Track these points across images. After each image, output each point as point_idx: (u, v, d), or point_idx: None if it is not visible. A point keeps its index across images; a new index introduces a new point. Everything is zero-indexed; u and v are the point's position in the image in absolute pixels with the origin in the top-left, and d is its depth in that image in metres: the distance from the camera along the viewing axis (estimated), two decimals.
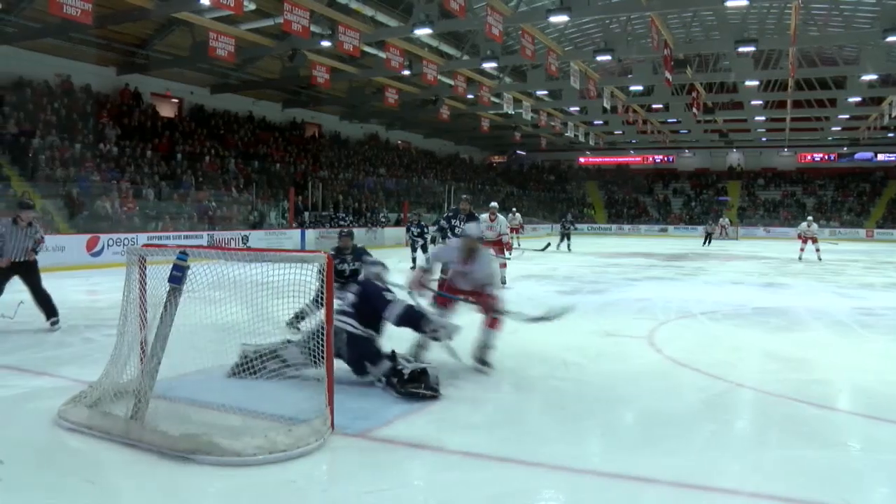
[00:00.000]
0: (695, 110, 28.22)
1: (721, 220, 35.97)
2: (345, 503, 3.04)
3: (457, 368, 5.09)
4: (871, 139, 38.77)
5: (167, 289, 3.90)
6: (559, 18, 17.74)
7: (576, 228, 25.35)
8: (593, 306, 9.18)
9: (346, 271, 6.86)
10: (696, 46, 24.30)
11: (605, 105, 27.31)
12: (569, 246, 22.52)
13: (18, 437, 3.66)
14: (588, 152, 48.36)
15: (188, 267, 3.90)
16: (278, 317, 4.42)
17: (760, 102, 31.08)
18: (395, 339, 5.04)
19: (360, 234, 21.01)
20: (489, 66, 23.07)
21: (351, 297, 4.92)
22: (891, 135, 37.01)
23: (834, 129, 36.42)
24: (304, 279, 4.15)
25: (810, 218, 20.25)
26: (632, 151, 48.41)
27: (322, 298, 3.98)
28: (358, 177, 28.89)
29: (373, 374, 4.59)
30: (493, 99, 26.78)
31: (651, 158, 49.47)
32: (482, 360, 5.30)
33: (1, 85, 18.22)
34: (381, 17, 19.15)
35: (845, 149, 43.21)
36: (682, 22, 24.24)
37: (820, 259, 18.61)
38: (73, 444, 3.67)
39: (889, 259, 20.62)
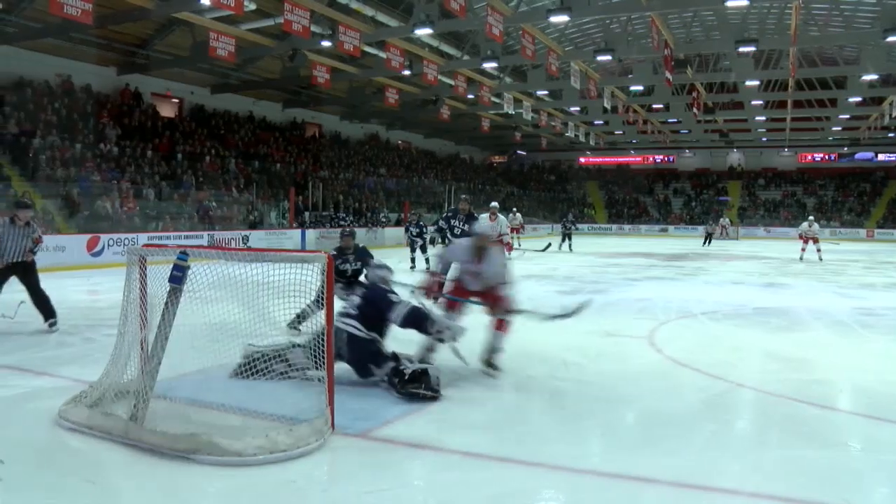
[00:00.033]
0: (695, 110, 28.22)
1: (721, 220, 35.97)
2: (345, 503, 3.05)
3: (458, 369, 5.09)
4: (872, 139, 38.77)
5: (167, 289, 3.90)
6: (559, 18, 17.74)
7: (577, 228, 25.32)
8: (594, 306, 9.11)
9: (349, 271, 6.85)
10: (697, 46, 24.30)
11: (605, 105, 27.31)
12: (570, 246, 22.50)
13: (19, 437, 3.66)
14: (588, 152, 48.35)
15: (188, 267, 3.90)
16: (279, 317, 4.41)
17: (761, 102, 31.07)
18: (405, 341, 5.03)
19: (360, 234, 21.00)
20: (489, 66, 23.08)
21: (356, 299, 4.93)
22: (891, 135, 36.99)
23: (834, 129, 36.42)
24: (304, 279, 4.14)
25: (811, 218, 20.16)
26: (632, 151, 48.41)
27: (324, 299, 3.97)
28: (358, 177, 28.90)
29: (377, 376, 4.59)
30: (493, 99, 26.77)
31: (651, 158, 49.46)
32: (490, 364, 5.21)
33: (1, 85, 18.22)
34: (382, 17, 19.15)
35: (846, 149, 43.20)
36: (683, 22, 24.25)
37: (821, 259, 18.59)
38: (74, 444, 3.67)
39: (889, 259, 20.62)
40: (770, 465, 3.51)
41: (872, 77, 24.27)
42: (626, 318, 8.07)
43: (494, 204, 10.65)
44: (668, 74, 21.75)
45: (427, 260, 14.79)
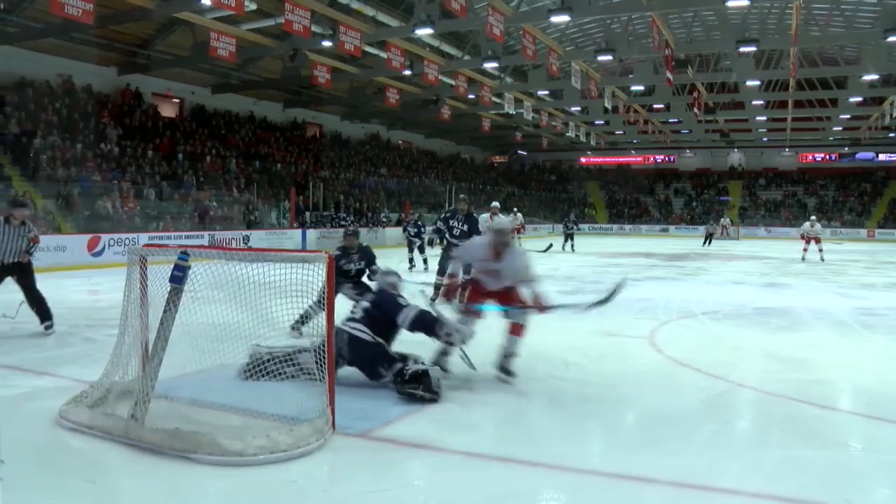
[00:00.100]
0: (696, 110, 28.21)
1: (722, 220, 35.99)
2: (346, 503, 3.05)
3: (458, 368, 5.08)
4: (873, 139, 38.77)
5: (168, 289, 3.90)
6: (560, 18, 17.73)
7: (579, 229, 25.30)
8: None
9: (352, 271, 6.81)
10: (698, 46, 24.29)
11: (606, 105, 27.30)
12: (572, 246, 22.45)
13: (19, 437, 3.65)
14: (589, 152, 48.34)
15: (189, 267, 3.90)
16: (280, 317, 4.41)
17: (761, 102, 31.07)
18: (412, 343, 5.02)
19: (361, 234, 21.00)
20: (490, 66, 23.07)
21: (365, 304, 4.93)
22: (892, 135, 36.97)
23: (835, 129, 36.42)
24: (305, 279, 4.14)
25: (813, 218, 20.02)
26: (633, 151, 48.40)
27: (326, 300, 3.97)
28: (359, 177, 28.90)
29: (386, 377, 4.60)
30: (494, 99, 26.77)
31: (652, 158, 49.45)
32: (505, 370, 5.01)
33: (2, 85, 18.24)
34: (382, 17, 19.15)
35: (846, 149, 43.18)
36: (684, 22, 24.24)
37: (823, 259, 18.56)
38: (74, 444, 3.68)
39: (890, 259, 20.60)
40: (770, 466, 3.51)
41: (873, 77, 24.26)
42: (627, 318, 8.07)
43: (495, 204, 10.60)
44: (668, 74, 21.75)
45: (425, 260, 14.78)
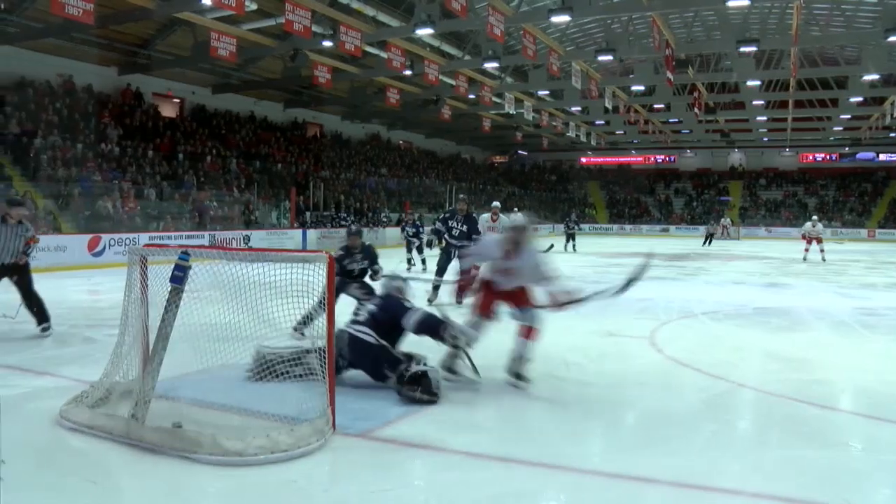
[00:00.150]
0: (696, 110, 28.21)
1: (723, 220, 35.98)
2: (346, 503, 3.05)
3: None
4: (873, 139, 38.75)
5: (169, 289, 3.90)
6: (561, 18, 17.73)
7: (580, 229, 25.29)
8: (595, 306, 9.10)
9: (356, 270, 6.78)
10: (698, 46, 24.29)
11: (606, 105, 27.30)
12: (574, 246, 22.43)
13: (19, 437, 3.65)
14: (590, 152, 48.33)
15: (190, 267, 3.90)
16: (281, 317, 4.40)
17: (762, 102, 31.06)
18: (428, 348, 5.00)
19: (363, 234, 20.99)
20: (491, 66, 23.08)
21: (371, 307, 4.94)
22: (893, 135, 36.95)
23: (836, 129, 36.41)
24: (306, 279, 4.14)
25: (815, 218, 19.83)
26: (633, 151, 48.39)
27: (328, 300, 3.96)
28: (359, 177, 28.90)
29: (391, 379, 4.59)
30: (494, 99, 26.77)
31: (652, 158, 49.44)
32: (518, 375, 4.86)
33: (3, 85, 18.24)
34: (383, 17, 19.16)
35: (847, 149, 43.16)
36: (684, 22, 24.24)
37: (824, 260, 18.51)
38: (75, 444, 3.68)
39: (891, 259, 20.60)
40: (771, 466, 3.51)
41: (874, 77, 24.26)
42: (628, 318, 8.07)
43: (496, 204, 10.59)
44: (669, 74, 21.75)
45: (423, 261, 14.77)
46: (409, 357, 4.69)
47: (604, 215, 45.56)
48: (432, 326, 4.78)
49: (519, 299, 4.95)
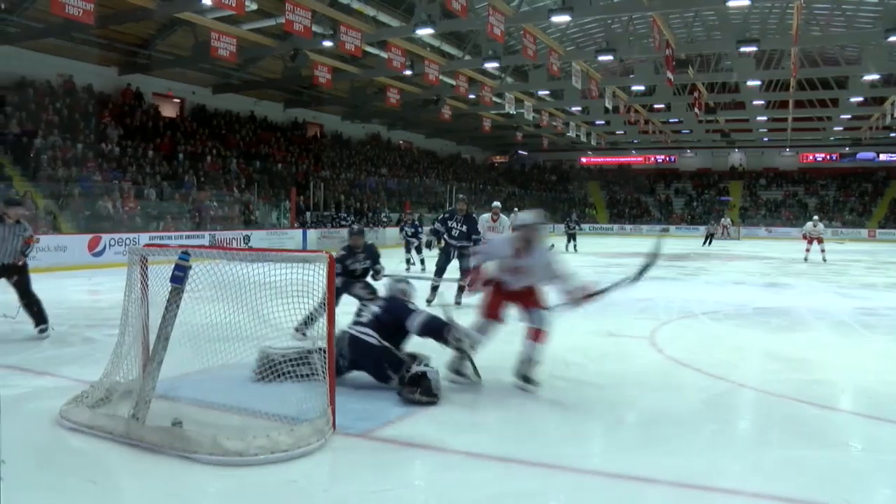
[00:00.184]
0: (696, 110, 28.21)
1: (723, 220, 35.97)
2: (347, 503, 3.05)
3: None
4: (874, 139, 38.75)
5: (169, 289, 3.90)
6: (561, 18, 17.73)
7: (580, 229, 25.28)
8: (595, 306, 9.08)
9: (358, 270, 6.76)
10: (698, 46, 24.29)
11: (606, 105, 27.30)
12: (575, 246, 22.41)
13: (20, 437, 3.65)
14: (590, 152, 48.33)
15: (190, 267, 3.90)
16: (281, 317, 4.40)
17: (762, 102, 31.07)
18: (432, 349, 4.98)
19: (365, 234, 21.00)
20: (491, 66, 23.08)
21: (375, 309, 4.94)
22: (893, 135, 36.95)
23: (836, 129, 36.42)
24: (306, 279, 4.13)
25: (816, 218, 19.75)
26: (633, 151, 48.39)
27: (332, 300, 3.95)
28: (360, 177, 28.91)
29: (394, 380, 4.59)
30: (494, 99, 26.77)
31: (653, 158, 49.43)
32: (526, 377, 4.79)
33: (3, 85, 18.24)
34: (383, 17, 19.16)
35: (847, 149, 43.16)
36: (684, 22, 24.24)
37: (825, 260, 18.48)
38: (75, 444, 3.68)
39: (891, 259, 20.59)
40: (771, 466, 3.51)
41: (874, 77, 24.27)
42: (628, 318, 8.07)
43: (497, 204, 10.57)
44: (669, 74, 21.75)
45: (422, 261, 14.76)
46: (413, 357, 4.69)
47: (604, 215, 45.56)
48: (436, 329, 4.77)
49: (527, 300, 4.86)
